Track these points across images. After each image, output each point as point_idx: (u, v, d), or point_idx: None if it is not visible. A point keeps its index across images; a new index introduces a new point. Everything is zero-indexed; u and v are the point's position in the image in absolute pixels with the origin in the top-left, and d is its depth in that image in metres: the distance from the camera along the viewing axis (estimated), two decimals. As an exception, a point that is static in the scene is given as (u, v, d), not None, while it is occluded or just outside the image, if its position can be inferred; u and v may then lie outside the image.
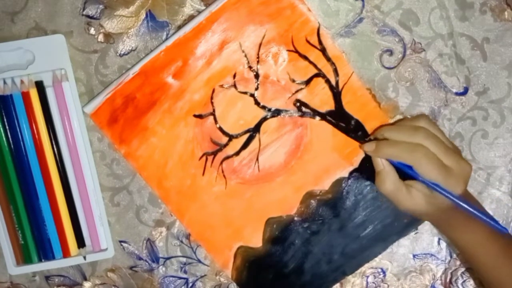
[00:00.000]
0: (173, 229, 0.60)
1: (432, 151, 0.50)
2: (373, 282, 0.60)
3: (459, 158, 0.51)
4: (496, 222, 0.50)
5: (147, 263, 0.60)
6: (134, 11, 0.57)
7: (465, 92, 0.58)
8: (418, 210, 0.52)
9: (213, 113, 0.57)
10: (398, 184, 0.52)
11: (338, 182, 0.58)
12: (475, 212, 0.50)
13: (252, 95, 0.57)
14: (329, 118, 0.57)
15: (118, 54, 0.58)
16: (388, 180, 0.52)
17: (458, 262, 0.60)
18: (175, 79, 0.57)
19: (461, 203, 0.50)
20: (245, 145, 0.58)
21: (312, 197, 0.59)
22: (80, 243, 0.58)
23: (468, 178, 0.51)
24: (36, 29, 0.57)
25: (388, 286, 0.61)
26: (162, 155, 0.58)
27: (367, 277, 0.60)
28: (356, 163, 0.58)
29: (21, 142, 0.57)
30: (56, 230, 0.58)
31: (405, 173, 0.51)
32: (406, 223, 0.59)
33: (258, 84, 0.57)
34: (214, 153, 0.58)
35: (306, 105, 0.57)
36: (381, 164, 0.52)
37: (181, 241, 0.60)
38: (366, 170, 0.58)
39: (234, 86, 0.57)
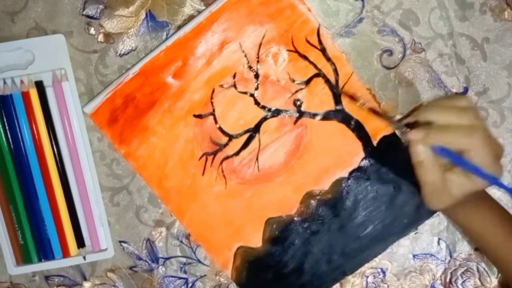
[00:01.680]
0: (173, 229, 0.60)
1: (487, 134, 0.45)
2: (373, 282, 0.60)
3: (495, 139, 0.47)
4: None
5: (147, 263, 0.60)
6: (134, 11, 0.57)
7: (465, 92, 0.58)
8: (451, 203, 0.47)
9: (213, 113, 0.57)
10: (442, 177, 0.46)
11: (338, 182, 0.58)
12: None
13: (252, 95, 0.57)
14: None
15: (118, 54, 0.58)
16: (432, 173, 0.46)
17: (458, 262, 0.60)
18: (175, 79, 0.57)
19: (504, 186, 0.46)
20: (245, 145, 0.58)
21: (312, 197, 0.59)
22: (80, 243, 0.58)
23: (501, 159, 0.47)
24: (36, 29, 0.57)
25: (388, 286, 0.61)
26: (162, 155, 0.58)
27: (367, 277, 0.60)
28: (355, 163, 0.58)
29: (21, 142, 0.57)
30: (56, 230, 0.58)
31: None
32: (406, 223, 0.59)
33: (258, 84, 0.57)
34: (214, 153, 0.58)
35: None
36: (423, 154, 0.46)
37: (181, 241, 0.60)
38: (367, 169, 0.58)
39: (234, 86, 0.57)
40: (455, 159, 0.46)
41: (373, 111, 0.56)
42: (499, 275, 0.60)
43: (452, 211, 0.53)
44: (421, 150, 0.46)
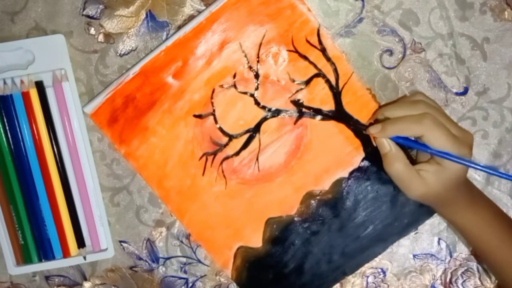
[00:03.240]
0: (173, 229, 0.60)
1: (438, 118, 0.50)
2: (373, 282, 0.60)
3: (459, 126, 0.51)
4: (508, 174, 0.50)
5: (147, 263, 0.60)
6: (134, 11, 0.57)
7: (465, 92, 0.58)
8: (429, 190, 0.51)
9: (213, 113, 0.57)
10: (408, 165, 0.51)
11: (338, 182, 0.58)
12: (489, 170, 0.51)
13: (252, 95, 0.57)
14: (326, 113, 0.57)
15: (118, 54, 0.58)
16: (397, 161, 0.51)
17: (458, 262, 0.60)
18: (175, 79, 0.57)
19: (476, 166, 0.50)
20: (245, 145, 0.58)
21: (312, 197, 0.59)
22: (80, 243, 0.58)
23: (472, 146, 0.51)
24: (36, 29, 0.57)
25: (388, 286, 0.61)
26: (162, 155, 0.58)
27: (367, 277, 0.60)
28: (356, 163, 0.58)
29: (21, 142, 0.56)
30: (56, 230, 0.58)
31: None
32: (407, 223, 0.59)
33: (258, 84, 0.57)
34: (214, 153, 0.58)
35: (303, 105, 0.57)
36: (387, 145, 0.52)
37: (181, 241, 0.60)
38: (367, 169, 0.58)
39: (234, 86, 0.57)
40: (415, 145, 0.51)
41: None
42: (495, 280, 0.60)
43: (447, 211, 0.54)
44: (383, 143, 0.52)
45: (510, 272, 0.54)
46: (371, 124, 0.53)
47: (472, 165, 0.50)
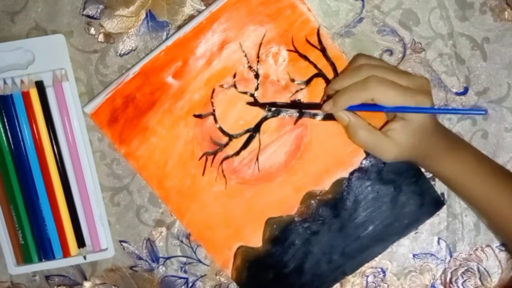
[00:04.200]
0: (173, 229, 0.60)
1: (383, 77, 0.50)
2: (373, 282, 0.60)
3: (411, 75, 0.52)
4: (472, 109, 0.50)
5: (147, 263, 0.60)
6: (134, 11, 0.57)
7: (465, 92, 0.58)
8: (402, 148, 0.51)
9: (213, 113, 0.57)
10: (371, 130, 0.52)
11: (339, 182, 0.58)
12: (448, 110, 0.51)
13: (252, 95, 0.57)
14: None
15: (118, 54, 0.58)
16: (359, 129, 0.52)
17: (458, 262, 0.60)
18: (175, 79, 0.57)
19: (433, 110, 0.50)
20: (245, 145, 0.58)
21: (312, 197, 0.59)
22: (80, 243, 0.58)
23: (430, 90, 0.51)
24: (36, 29, 0.57)
25: (388, 286, 0.61)
26: (162, 155, 0.58)
27: (367, 276, 0.60)
28: (356, 163, 0.58)
29: (21, 142, 0.57)
30: (56, 230, 0.58)
31: None
32: (407, 223, 0.59)
33: (258, 84, 0.57)
34: (214, 153, 0.58)
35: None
36: (345, 117, 0.52)
37: (181, 241, 0.60)
38: (367, 170, 0.58)
39: (234, 86, 0.57)
40: (370, 108, 0.51)
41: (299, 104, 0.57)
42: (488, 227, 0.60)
43: (428, 163, 0.54)
44: (341, 116, 0.52)
45: (499, 218, 0.54)
46: (325, 102, 0.53)
47: (430, 111, 0.50)
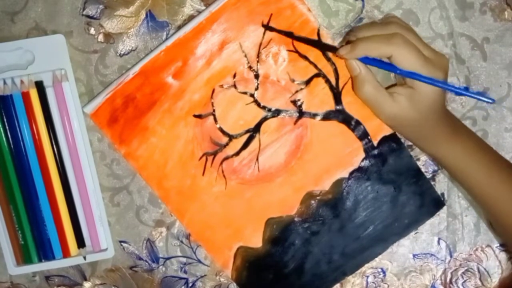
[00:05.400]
0: (173, 229, 0.60)
1: (408, 39, 0.49)
2: (373, 282, 0.60)
3: (434, 50, 0.51)
4: (482, 94, 0.50)
5: (147, 263, 0.60)
6: (134, 11, 0.57)
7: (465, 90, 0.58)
8: (401, 114, 0.51)
9: (213, 113, 0.57)
10: (378, 87, 0.51)
11: (339, 183, 0.58)
12: (460, 90, 0.50)
13: (252, 95, 0.57)
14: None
15: (118, 54, 0.58)
16: (367, 83, 0.51)
17: (458, 262, 0.60)
18: (175, 79, 0.57)
19: (446, 86, 0.50)
20: (245, 145, 0.58)
21: (312, 197, 0.59)
22: (80, 243, 0.58)
23: (447, 69, 0.51)
24: (36, 29, 0.57)
25: (388, 286, 0.61)
26: (162, 155, 0.58)
27: (367, 277, 0.60)
28: (356, 163, 0.58)
29: (21, 142, 0.56)
30: (56, 230, 0.58)
31: None
32: (407, 223, 0.59)
33: (258, 84, 0.57)
34: (214, 153, 0.58)
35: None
36: (357, 68, 0.51)
37: (181, 241, 0.60)
38: (367, 170, 0.58)
39: (234, 86, 0.57)
40: (384, 65, 0.50)
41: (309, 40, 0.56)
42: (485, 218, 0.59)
43: (429, 144, 0.54)
44: (353, 65, 0.51)
45: (497, 206, 0.53)
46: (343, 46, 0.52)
47: (442, 85, 0.49)
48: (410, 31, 0.51)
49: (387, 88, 0.52)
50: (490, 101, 0.50)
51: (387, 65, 0.50)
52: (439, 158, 0.54)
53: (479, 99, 0.50)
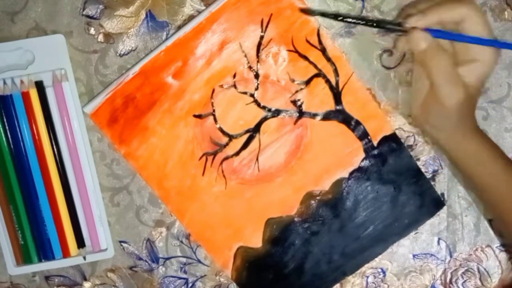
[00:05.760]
0: (173, 229, 0.60)
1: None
2: (373, 282, 0.60)
3: None
4: None
5: (147, 263, 0.60)
6: (134, 11, 0.57)
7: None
8: (468, 94, 0.48)
9: (213, 113, 0.57)
10: (451, 61, 0.48)
11: (339, 183, 0.58)
12: None
13: (252, 95, 0.57)
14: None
15: (118, 54, 0.58)
16: (442, 55, 0.48)
17: (458, 262, 0.60)
18: (175, 79, 0.57)
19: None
20: (245, 145, 0.58)
21: (312, 197, 0.59)
22: (80, 243, 0.58)
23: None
24: (36, 29, 0.57)
25: (388, 286, 0.61)
26: (162, 155, 0.58)
27: (367, 277, 0.60)
28: (356, 163, 0.58)
29: (21, 142, 0.56)
30: (56, 230, 0.58)
31: None
32: (407, 223, 0.59)
33: (258, 84, 0.57)
34: (214, 153, 0.58)
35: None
36: (425, 39, 0.47)
37: (181, 241, 0.60)
38: (367, 170, 0.58)
39: (234, 86, 0.57)
40: (452, 36, 0.48)
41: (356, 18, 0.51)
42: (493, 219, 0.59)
43: (456, 136, 0.52)
44: (421, 37, 0.47)
45: (500, 207, 0.53)
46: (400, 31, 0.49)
47: None
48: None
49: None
50: None
51: (455, 36, 0.48)
52: (460, 152, 0.53)
53: None
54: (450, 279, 0.60)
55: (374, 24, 0.50)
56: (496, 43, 0.48)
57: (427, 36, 0.47)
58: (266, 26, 0.56)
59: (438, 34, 0.48)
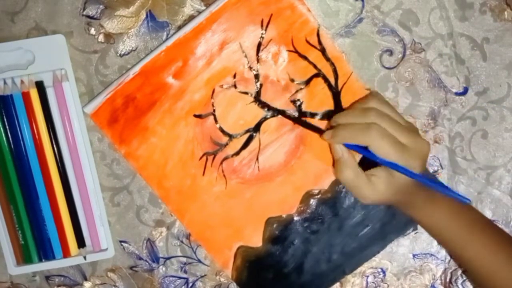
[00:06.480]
0: (173, 229, 0.60)
1: (386, 129, 0.50)
2: (373, 282, 0.61)
3: (415, 136, 0.51)
4: (457, 194, 0.50)
5: (147, 263, 0.60)
6: (134, 11, 0.57)
7: (465, 92, 0.58)
8: (379, 197, 0.52)
9: (213, 113, 0.57)
10: (357, 172, 0.52)
11: (338, 182, 0.58)
12: (436, 185, 0.51)
13: (252, 95, 0.57)
14: (288, 114, 0.57)
15: (118, 54, 0.58)
16: (348, 168, 0.52)
17: (458, 262, 0.60)
18: (175, 79, 0.57)
19: (420, 179, 0.50)
20: (245, 145, 0.58)
21: (311, 196, 0.59)
22: (80, 243, 0.58)
23: (426, 156, 0.52)
24: (36, 29, 0.57)
25: (388, 286, 0.61)
26: (162, 155, 0.58)
27: (367, 277, 0.60)
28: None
29: (21, 142, 0.57)
30: (56, 230, 0.58)
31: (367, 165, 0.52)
32: (405, 221, 0.59)
33: (258, 84, 0.57)
34: (214, 153, 0.58)
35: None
36: (339, 152, 0.53)
37: (181, 241, 0.60)
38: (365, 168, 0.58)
39: (234, 86, 0.57)
40: (364, 152, 0.51)
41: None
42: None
43: (405, 210, 0.55)
44: (336, 149, 0.53)
45: (477, 269, 0.54)
46: (327, 129, 0.54)
47: (417, 177, 0.50)
48: (388, 119, 0.51)
49: (366, 166, 0.52)
50: (466, 201, 0.50)
51: (366, 152, 0.51)
52: (418, 221, 0.56)
53: (455, 197, 0.50)
54: (450, 279, 0.61)
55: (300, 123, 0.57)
56: (392, 166, 0.50)
57: (339, 151, 0.53)
58: (266, 26, 0.56)
59: (350, 147, 0.52)
